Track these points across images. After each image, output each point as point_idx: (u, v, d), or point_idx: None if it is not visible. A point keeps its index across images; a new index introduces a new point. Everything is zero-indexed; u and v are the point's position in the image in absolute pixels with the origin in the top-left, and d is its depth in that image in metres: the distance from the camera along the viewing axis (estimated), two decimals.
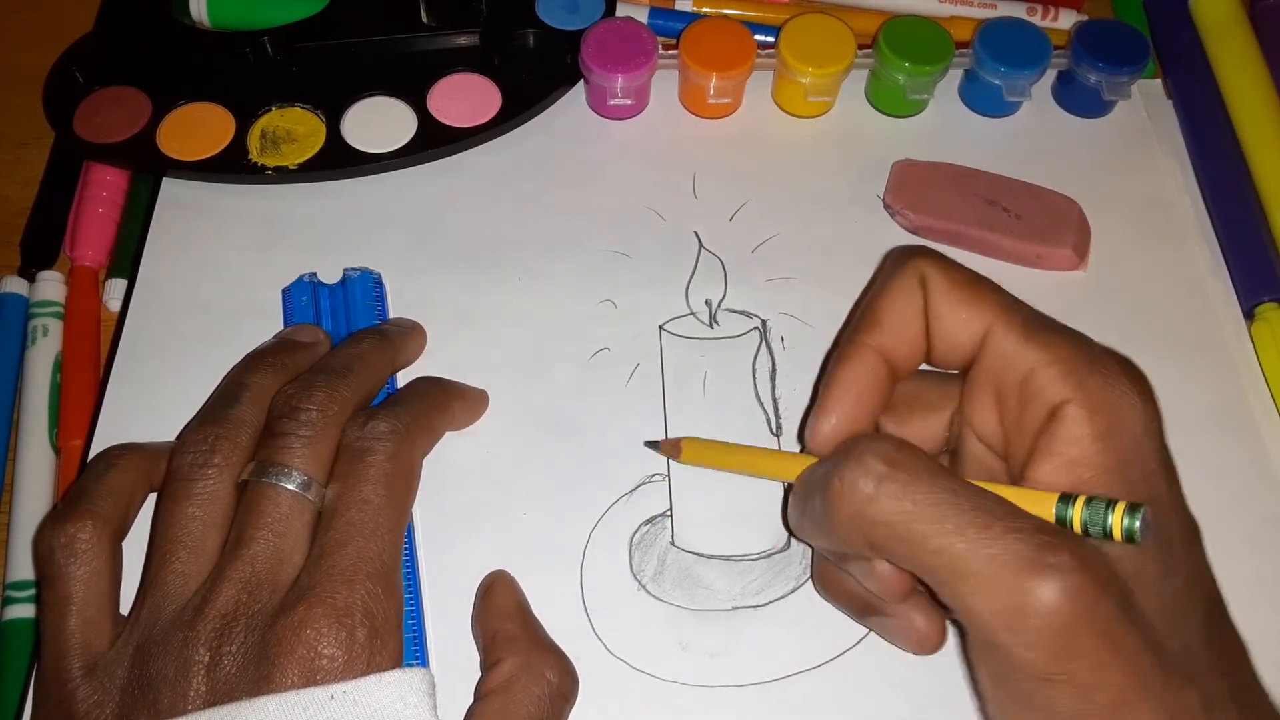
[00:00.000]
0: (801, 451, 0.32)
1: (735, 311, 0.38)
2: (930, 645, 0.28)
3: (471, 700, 0.28)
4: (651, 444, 0.35)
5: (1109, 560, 0.23)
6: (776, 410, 0.36)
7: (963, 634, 0.25)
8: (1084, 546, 0.23)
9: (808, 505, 0.27)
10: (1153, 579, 0.23)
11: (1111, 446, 0.24)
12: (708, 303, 0.38)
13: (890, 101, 0.43)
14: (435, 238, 0.40)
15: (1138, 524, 0.22)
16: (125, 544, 0.29)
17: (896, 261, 0.29)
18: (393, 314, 0.38)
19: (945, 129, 0.43)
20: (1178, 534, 0.25)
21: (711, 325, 0.38)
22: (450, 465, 0.34)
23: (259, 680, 0.25)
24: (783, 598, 0.33)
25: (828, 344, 0.37)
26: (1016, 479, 0.26)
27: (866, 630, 0.32)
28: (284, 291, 0.38)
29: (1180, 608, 0.24)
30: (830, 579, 0.31)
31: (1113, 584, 0.22)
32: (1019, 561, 0.22)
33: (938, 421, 0.29)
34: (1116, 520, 0.23)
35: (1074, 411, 0.25)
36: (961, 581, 0.23)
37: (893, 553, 0.24)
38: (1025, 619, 0.22)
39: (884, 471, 0.24)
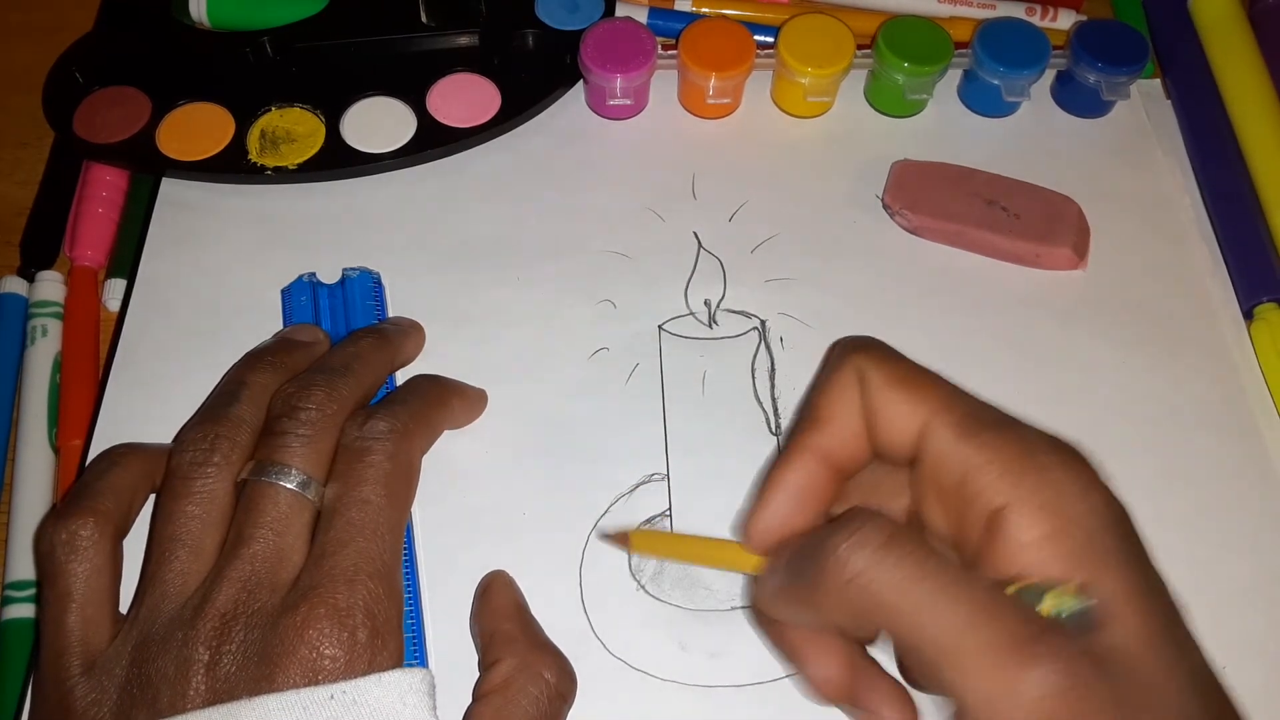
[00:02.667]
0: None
1: (734, 312, 0.38)
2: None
3: (470, 700, 0.28)
4: (603, 536, 0.34)
5: (1097, 648, 0.22)
6: (776, 410, 0.36)
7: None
8: (1075, 633, 0.22)
9: (793, 573, 0.26)
10: (1138, 664, 0.22)
11: (1062, 549, 0.23)
12: (707, 303, 0.38)
13: (889, 101, 0.43)
14: (434, 238, 0.40)
15: (1066, 608, 0.22)
16: (125, 543, 0.29)
17: (837, 357, 0.28)
18: (392, 314, 0.38)
19: (944, 129, 0.43)
20: (1150, 620, 0.23)
21: (711, 325, 0.38)
22: (450, 465, 0.34)
23: (260, 679, 0.25)
24: None
25: (827, 344, 0.37)
26: None
27: None
28: (283, 291, 0.38)
29: (1166, 694, 0.22)
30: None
31: (1101, 669, 0.22)
32: (1011, 644, 0.21)
33: (894, 511, 0.28)
34: (1045, 607, 0.22)
35: (1015, 517, 0.23)
36: (949, 661, 0.22)
37: (881, 625, 0.23)
38: (1013, 705, 0.21)
39: (882, 544, 0.23)
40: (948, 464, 0.25)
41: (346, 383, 0.31)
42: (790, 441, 0.28)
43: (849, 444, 0.27)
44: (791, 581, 0.26)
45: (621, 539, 0.32)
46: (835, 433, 0.28)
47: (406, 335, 0.36)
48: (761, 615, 0.30)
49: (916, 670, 0.24)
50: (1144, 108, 0.44)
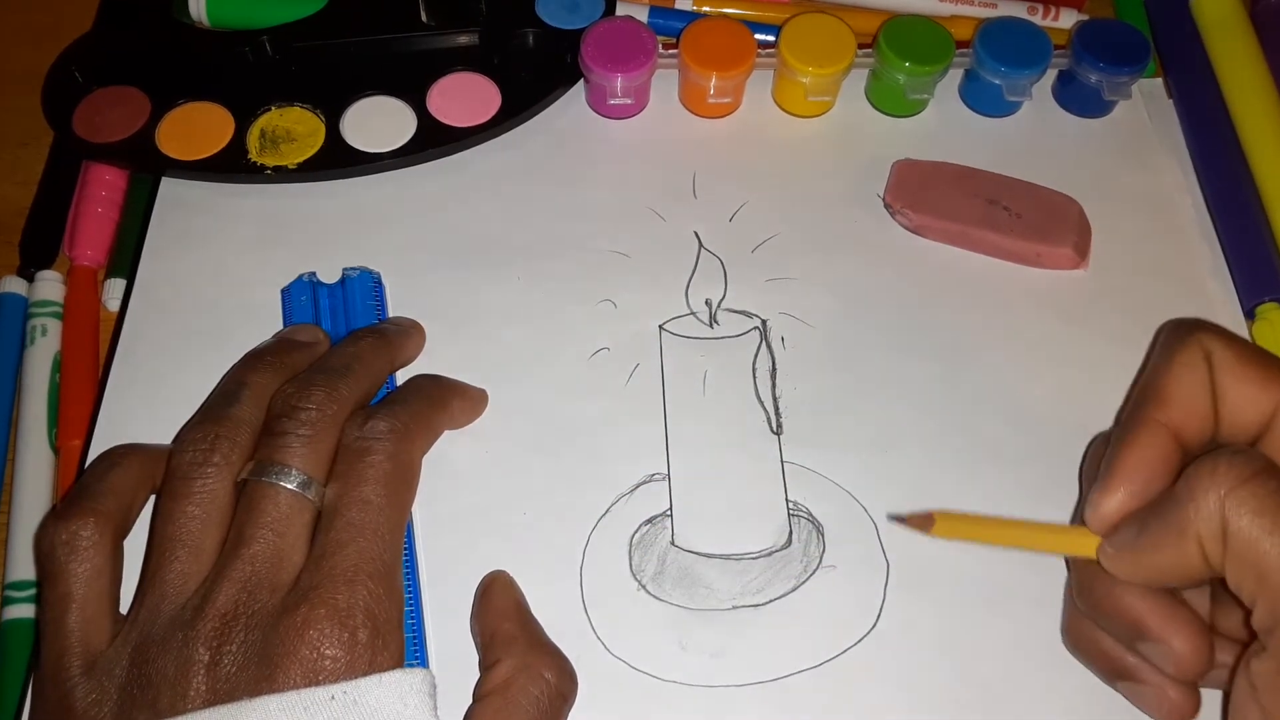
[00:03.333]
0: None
1: (735, 311, 0.38)
2: (1180, 716, 0.28)
3: (470, 701, 0.28)
4: (896, 517, 0.33)
5: None
6: (777, 410, 0.36)
7: (1254, 657, 0.25)
8: None
9: (1150, 523, 0.26)
10: None
11: None
12: (708, 303, 0.38)
13: (890, 101, 0.43)
14: (435, 237, 0.40)
15: None
16: (126, 543, 0.29)
17: (1177, 336, 0.29)
18: (392, 314, 0.37)
19: (945, 129, 0.43)
20: None
21: (711, 325, 0.38)
22: (450, 465, 0.34)
23: (260, 680, 0.25)
24: (783, 596, 0.33)
25: (827, 344, 0.37)
26: None
27: (867, 630, 0.32)
28: (283, 291, 0.38)
29: None
30: (1084, 635, 0.30)
31: None
32: None
33: None
34: None
35: None
36: None
37: (1240, 544, 0.24)
38: None
39: (1265, 467, 0.24)
40: None
41: (347, 383, 0.31)
42: (1135, 415, 0.28)
43: (1194, 421, 0.28)
44: (1146, 531, 0.26)
45: (923, 521, 0.30)
46: (1181, 409, 0.28)
47: (407, 335, 0.36)
48: (1085, 629, 0.30)
49: (1253, 602, 0.24)
50: (1145, 107, 0.44)
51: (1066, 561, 0.32)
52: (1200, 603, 0.29)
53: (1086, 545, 0.28)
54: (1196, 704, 0.28)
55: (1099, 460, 0.30)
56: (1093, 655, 0.30)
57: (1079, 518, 0.30)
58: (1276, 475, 0.24)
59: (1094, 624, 0.29)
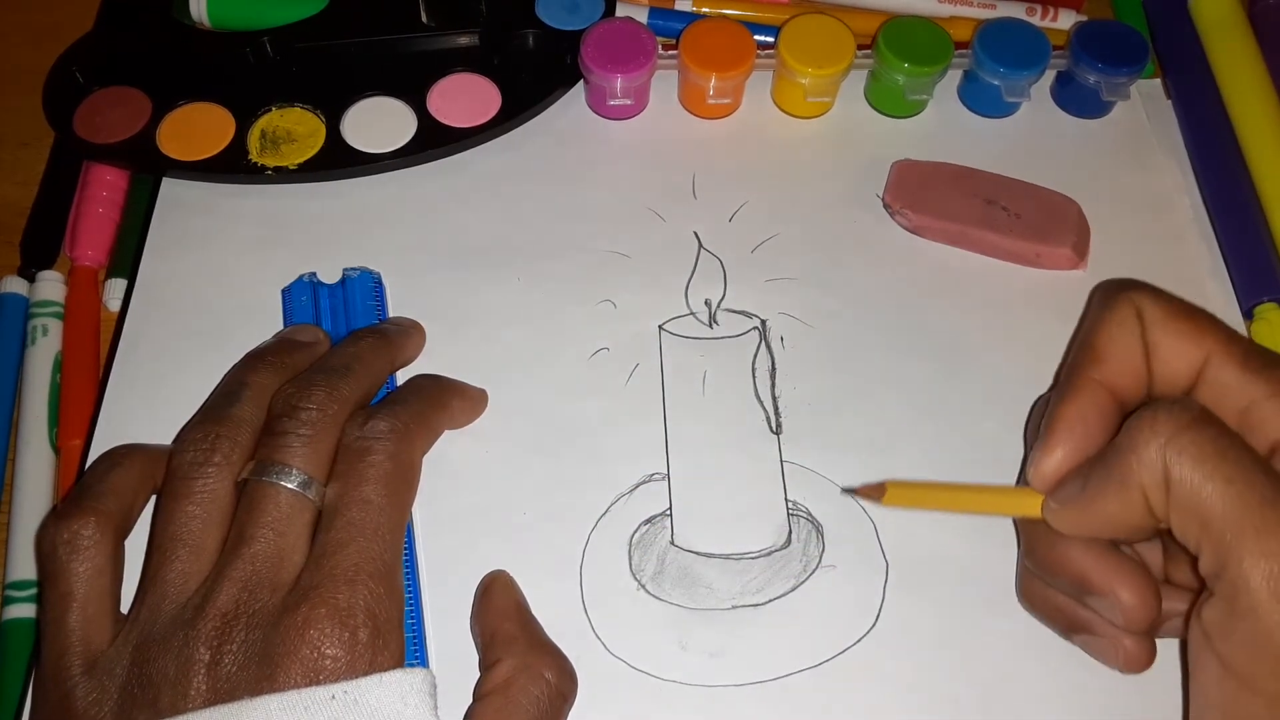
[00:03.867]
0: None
1: (735, 311, 0.38)
2: (1137, 665, 0.28)
3: (470, 700, 0.28)
4: (849, 490, 0.34)
5: None
6: (776, 410, 0.36)
7: (1203, 605, 0.25)
8: None
9: (1092, 476, 0.26)
10: None
11: None
12: (707, 303, 0.38)
13: (890, 102, 0.43)
14: (435, 238, 0.40)
15: None
16: (126, 543, 0.29)
17: (1109, 294, 0.29)
18: (392, 314, 0.38)
19: (945, 129, 0.43)
20: None
21: (711, 325, 0.38)
22: (450, 465, 0.34)
23: (261, 680, 0.25)
24: (782, 596, 0.33)
25: (828, 344, 0.37)
26: None
27: (866, 629, 0.32)
28: (284, 291, 0.38)
29: None
30: (1036, 593, 0.31)
31: None
32: None
33: None
34: None
35: None
36: (1246, 535, 0.23)
37: (1184, 491, 0.24)
38: None
39: (1198, 416, 0.24)
40: (1231, 395, 0.26)
41: (347, 383, 0.31)
42: (1070, 376, 0.29)
43: (1129, 377, 0.28)
44: (1089, 484, 0.26)
45: (875, 491, 0.31)
46: (1115, 366, 0.28)
47: (407, 335, 0.36)
48: (1038, 586, 0.30)
49: (1198, 549, 0.25)
50: (1144, 108, 0.44)
51: (1015, 524, 0.32)
52: (1153, 557, 0.30)
53: (1031, 504, 0.29)
54: (1152, 653, 0.28)
55: (1039, 420, 0.30)
56: (1047, 612, 0.30)
57: (1023, 480, 0.31)
58: (1213, 422, 0.24)
59: (1044, 582, 0.30)
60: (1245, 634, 0.23)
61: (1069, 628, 0.30)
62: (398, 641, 0.27)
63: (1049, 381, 0.37)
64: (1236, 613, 0.23)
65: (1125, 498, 0.25)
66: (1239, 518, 0.23)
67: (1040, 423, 0.30)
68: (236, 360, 0.33)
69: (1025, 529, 0.30)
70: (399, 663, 0.27)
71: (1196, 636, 0.25)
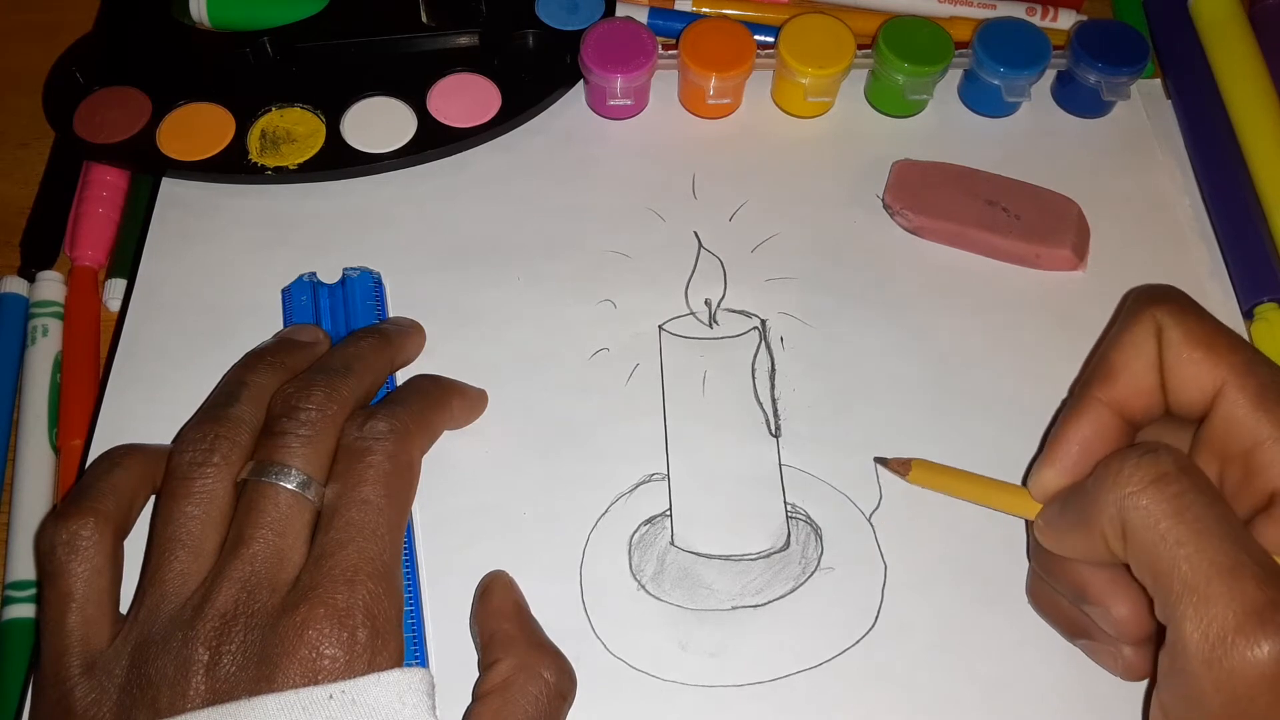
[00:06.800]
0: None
1: (735, 311, 0.38)
2: (1136, 674, 0.29)
3: (470, 700, 0.28)
4: (880, 460, 0.35)
5: None
6: (775, 410, 0.36)
7: (1159, 649, 0.25)
8: None
9: (1073, 501, 0.27)
10: None
11: None
12: (707, 303, 0.38)
13: (890, 102, 0.43)
14: (435, 238, 0.40)
15: None
16: (126, 543, 0.29)
17: (1134, 308, 0.29)
18: (392, 314, 0.38)
19: (945, 129, 0.43)
20: None
21: (711, 325, 0.38)
22: (450, 465, 0.34)
23: (260, 680, 0.25)
24: (782, 597, 0.33)
25: (827, 344, 0.37)
26: None
27: (865, 630, 0.32)
28: (284, 291, 0.38)
29: None
30: (1043, 595, 0.31)
31: None
32: (1248, 606, 0.22)
33: None
34: None
35: None
36: (1186, 600, 0.23)
37: (1137, 545, 0.24)
38: (1225, 660, 0.22)
39: (1171, 470, 0.24)
40: (1238, 431, 0.26)
41: (347, 383, 0.31)
42: (1082, 391, 0.29)
43: (1142, 397, 0.28)
44: (1064, 511, 0.27)
45: (902, 466, 0.33)
46: (1128, 385, 0.28)
47: (407, 335, 0.36)
48: (1045, 590, 0.31)
49: (1152, 595, 0.25)
50: (1144, 108, 0.44)
51: (1026, 524, 0.32)
52: None
53: (1033, 510, 0.29)
54: (1151, 662, 0.28)
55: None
56: (1052, 614, 0.31)
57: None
58: (1180, 478, 0.24)
59: (1049, 585, 0.30)
60: (1180, 690, 0.24)
61: (1071, 632, 0.30)
62: (397, 642, 0.27)
63: (1048, 382, 0.37)
64: (1174, 670, 0.24)
65: (1089, 535, 0.26)
66: (1184, 581, 0.23)
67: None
68: (236, 360, 0.33)
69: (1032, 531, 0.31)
70: (398, 663, 0.27)
71: (1156, 675, 0.25)
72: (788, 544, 0.34)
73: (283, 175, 0.40)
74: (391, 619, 0.27)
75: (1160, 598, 0.24)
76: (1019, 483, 0.31)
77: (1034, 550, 0.30)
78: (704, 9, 0.46)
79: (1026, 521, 0.31)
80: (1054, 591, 0.30)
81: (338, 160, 0.41)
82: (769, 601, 0.33)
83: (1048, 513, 0.28)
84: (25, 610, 0.33)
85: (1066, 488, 0.28)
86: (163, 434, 0.32)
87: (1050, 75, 0.44)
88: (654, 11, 0.46)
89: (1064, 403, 0.35)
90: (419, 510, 0.33)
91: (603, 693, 0.31)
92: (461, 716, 0.27)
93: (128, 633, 0.27)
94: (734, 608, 0.33)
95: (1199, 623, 0.23)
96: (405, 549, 0.31)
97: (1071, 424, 0.28)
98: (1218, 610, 0.22)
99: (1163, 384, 0.28)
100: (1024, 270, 0.40)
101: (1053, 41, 0.42)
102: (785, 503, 0.34)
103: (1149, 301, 0.28)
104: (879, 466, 0.35)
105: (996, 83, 0.42)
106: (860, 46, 0.42)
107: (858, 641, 0.32)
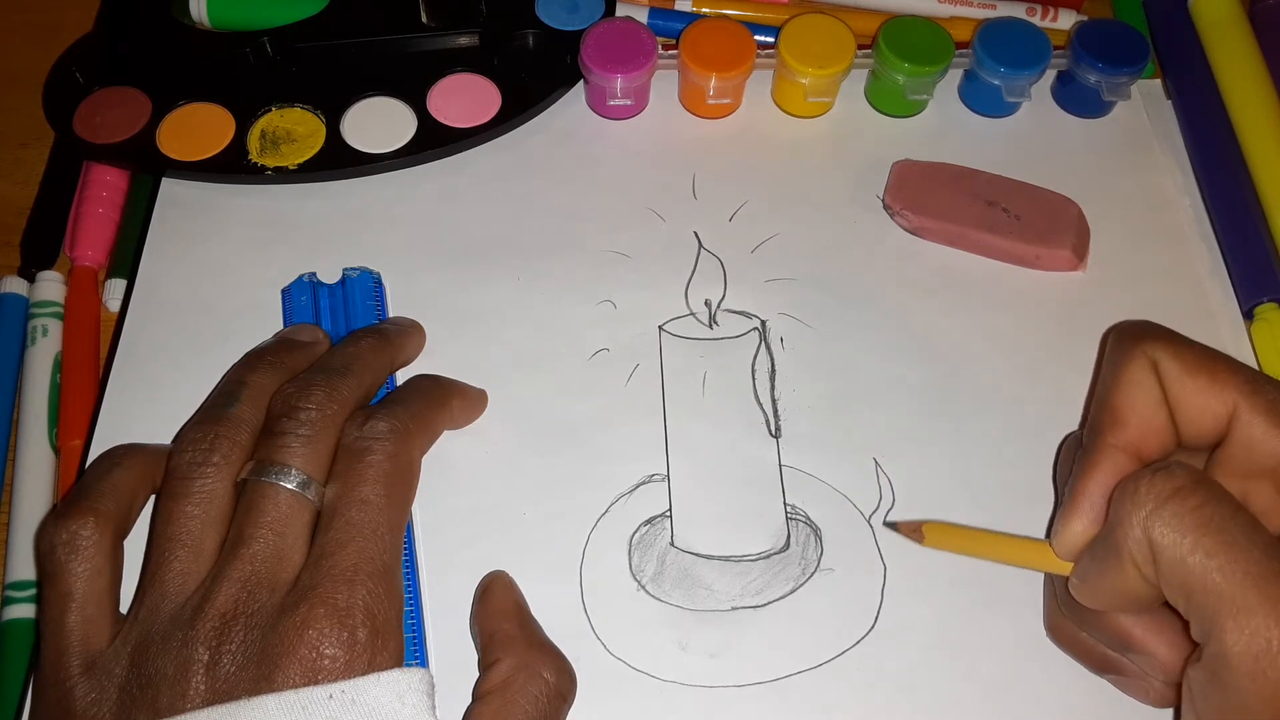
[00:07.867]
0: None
1: (735, 312, 0.38)
2: (1167, 703, 0.28)
3: (470, 700, 0.28)
4: (890, 525, 0.34)
5: None
6: (775, 411, 0.36)
7: (1191, 665, 0.25)
8: None
9: (1099, 550, 0.26)
10: None
11: None
12: (707, 303, 0.38)
13: (890, 102, 0.43)
14: (435, 238, 0.40)
15: None
16: (126, 543, 0.29)
17: (1122, 345, 0.28)
18: (392, 314, 0.38)
19: (945, 129, 0.43)
20: None
21: (711, 326, 0.38)
22: (450, 465, 0.34)
23: (260, 680, 0.25)
24: (782, 598, 0.33)
25: (827, 344, 0.37)
26: None
27: (865, 631, 0.32)
28: (284, 291, 0.38)
29: None
30: (1067, 634, 0.30)
31: None
32: None
33: None
34: None
35: None
36: (1225, 612, 0.23)
37: (1167, 563, 0.24)
38: (1270, 672, 0.22)
39: (1186, 483, 0.24)
40: (1260, 450, 0.26)
41: (347, 383, 0.31)
42: (1094, 440, 0.28)
43: (1155, 436, 0.28)
44: (1094, 559, 0.26)
45: (913, 530, 0.32)
46: (1139, 427, 0.28)
47: (407, 335, 0.36)
48: (1068, 626, 0.30)
49: (1187, 616, 0.24)
50: (1144, 108, 0.44)
51: (1046, 576, 0.32)
52: None
53: (1064, 566, 0.28)
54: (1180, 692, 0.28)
55: (1069, 465, 0.30)
56: (1076, 651, 0.30)
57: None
58: (1196, 490, 0.24)
59: (1077, 626, 0.30)
60: (1221, 704, 0.23)
61: (1100, 668, 0.30)
62: (397, 641, 0.27)
63: (1048, 383, 0.37)
64: (1215, 683, 0.23)
65: (1121, 570, 0.25)
66: (1220, 593, 0.23)
67: (1068, 470, 0.29)
68: (236, 360, 0.33)
69: (1060, 582, 0.30)
70: (398, 662, 0.27)
71: (1186, 690, 0.25)
72: (787, 545, 0.34)
73: (283, 175, 0.40)
74: (391, 619, 0.27)
75: (1196, 613, 0.24)
76: (1030, 515, 0.31)
77: (1064, 600, 0.29)
78: (704, 9, 0.46)
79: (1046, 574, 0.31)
80: (1078, 631, 0.30)
81: (338, 160, 0.41)
82: (769, 602, 0.33)
83: (1080, 568, 0.27)
84: (25, 610, 0.33)
85: (1093, 539, 0.27)
86: (163, 434, 0.32)
87: (1050, 75, 0.44)
88: (654, 11, 0.46)
89: (1068, 438, 0.34)
90: (419, 510, 0.33)
91: (603, 693, 0.31)
92: (461, 716, 0.27)
93: (127, 633, 0.27)
94: (734, 608, 0.33)
95: (1240, 634, 0.22)
96: (405, 549, 0.31)
97: (1090, 474, 0.28)
98: (1259, 621, 0.22)
99: (1172, 418, 0.27)
100: (1024, 271, 0.40)
101: (1053, 41, 0.42)
102: (785, 503, 0.34)
103: (1136, 339, 0.28)
104: (889, 529, 0.34)
105: (997, 83, 0.42)
106: (860, 46, 0.42)
107: (857, 642, 0.32)
